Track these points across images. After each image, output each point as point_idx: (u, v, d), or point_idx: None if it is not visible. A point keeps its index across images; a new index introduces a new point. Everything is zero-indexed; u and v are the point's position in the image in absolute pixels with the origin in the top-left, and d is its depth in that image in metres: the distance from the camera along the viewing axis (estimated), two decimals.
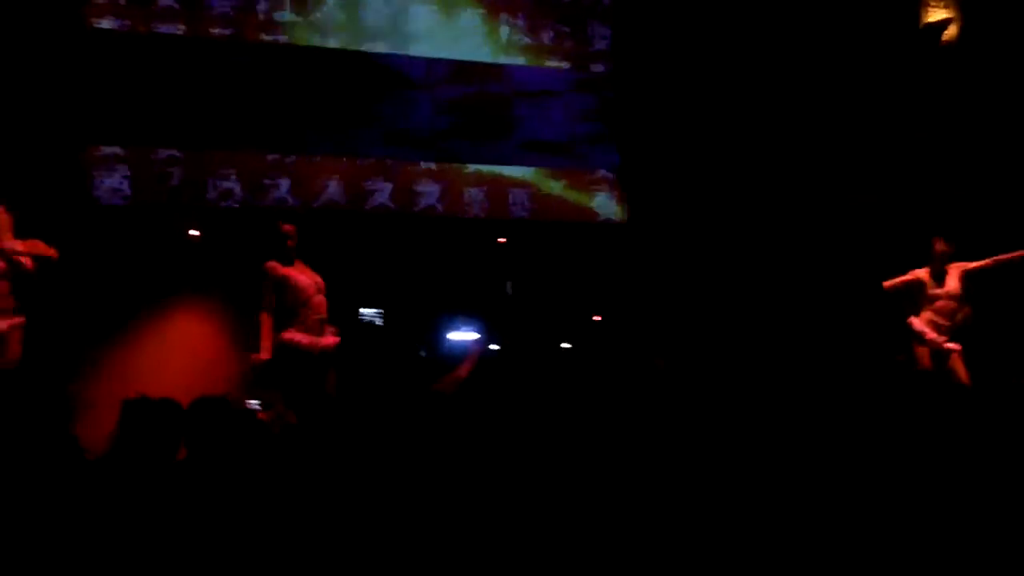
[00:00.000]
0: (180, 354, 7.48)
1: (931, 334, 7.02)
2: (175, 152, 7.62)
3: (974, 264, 7.02)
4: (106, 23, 7.49)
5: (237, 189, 7.77)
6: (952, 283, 7.07)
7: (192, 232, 7.84)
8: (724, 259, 8.57)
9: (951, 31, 7.95)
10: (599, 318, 9.02)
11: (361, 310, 6.76)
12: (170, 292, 7.65)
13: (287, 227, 6.50)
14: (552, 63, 8.78)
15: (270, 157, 7.88)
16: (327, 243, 6.91)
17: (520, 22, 8.70)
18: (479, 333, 8.27)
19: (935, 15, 8.00)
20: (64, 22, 7.31)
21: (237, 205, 7.75)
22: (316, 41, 8.07)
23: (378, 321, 6.95)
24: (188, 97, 7.67)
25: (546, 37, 8.77)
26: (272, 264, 6.39)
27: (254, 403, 6.09)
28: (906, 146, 8.08)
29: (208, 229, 7.83)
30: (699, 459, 3.23)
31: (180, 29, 7.68)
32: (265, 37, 7.94)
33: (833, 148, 8.32)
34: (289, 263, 6.45)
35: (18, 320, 5.89)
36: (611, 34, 8.97)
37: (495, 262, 8.71)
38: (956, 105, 7.87)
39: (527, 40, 8.70)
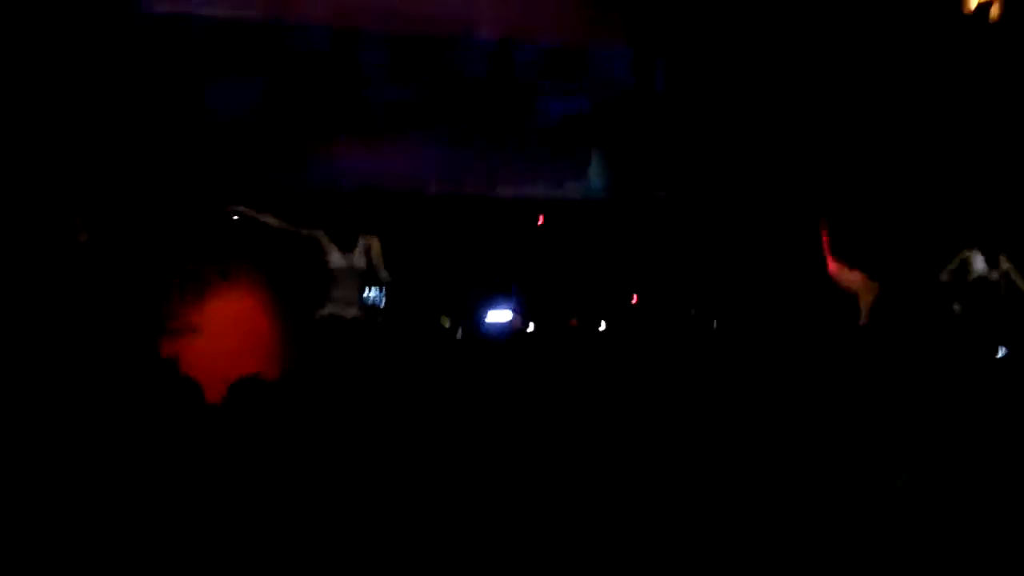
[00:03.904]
0: (221, 330, 7.54)
1: None
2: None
3: None
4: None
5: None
6: None
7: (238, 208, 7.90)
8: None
9: (995, 11, 7.83)
10: (636, 299, 9.02)
11: (365, 293, 6.71)
12: (213, 269, 7.71)
13: None
14: None
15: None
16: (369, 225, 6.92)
17: None
18: (515, 313, 8.32)
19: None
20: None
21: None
22: None
23: (381, 304, 6.96)
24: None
25: None
26: None
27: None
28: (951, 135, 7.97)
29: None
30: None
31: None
32: None
33: (873, 131, 8.25)
34: None
35: None
36: None
37: (535, 243, 8.73)
38: (1006, 87, 7.76)
39: None
